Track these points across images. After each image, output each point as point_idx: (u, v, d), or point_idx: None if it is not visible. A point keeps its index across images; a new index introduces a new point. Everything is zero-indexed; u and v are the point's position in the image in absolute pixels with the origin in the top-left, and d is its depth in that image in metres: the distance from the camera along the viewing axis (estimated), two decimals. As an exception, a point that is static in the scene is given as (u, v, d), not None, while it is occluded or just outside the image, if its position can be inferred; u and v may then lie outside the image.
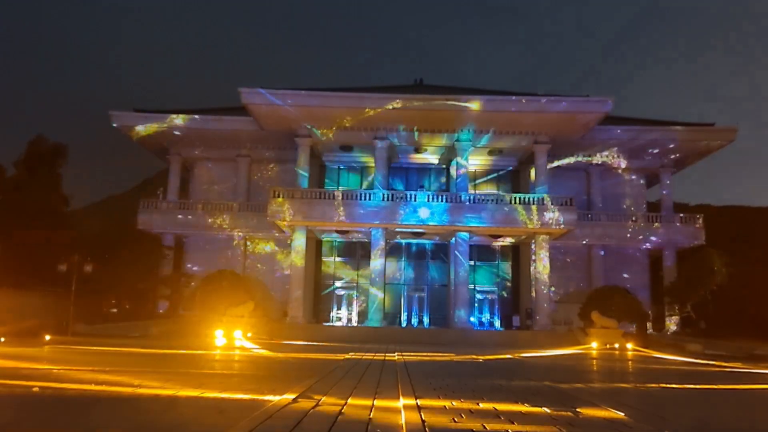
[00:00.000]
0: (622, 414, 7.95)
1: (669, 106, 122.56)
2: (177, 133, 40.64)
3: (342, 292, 43.79)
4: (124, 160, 76.05)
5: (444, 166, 44.34)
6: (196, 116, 40.70)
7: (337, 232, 40.75)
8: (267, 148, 42.61)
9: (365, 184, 43.41)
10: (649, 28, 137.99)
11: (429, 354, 21.62)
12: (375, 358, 18.33)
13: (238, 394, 9.24)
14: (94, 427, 6.85)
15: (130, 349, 20.96)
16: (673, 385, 12.89)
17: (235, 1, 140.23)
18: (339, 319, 42.99)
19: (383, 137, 39.01)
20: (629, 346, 30.64)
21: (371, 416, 7.11)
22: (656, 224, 40.88)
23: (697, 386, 13.11)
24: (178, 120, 39.96)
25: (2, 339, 22.98)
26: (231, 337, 28.98)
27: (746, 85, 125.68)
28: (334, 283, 43.88)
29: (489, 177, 44.46)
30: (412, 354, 20.84)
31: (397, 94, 37.32)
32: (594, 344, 30.60)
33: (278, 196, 36.89)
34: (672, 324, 39.15)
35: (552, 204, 36.78)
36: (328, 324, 41.31)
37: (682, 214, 41.52)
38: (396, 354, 20.41)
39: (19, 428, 6.64)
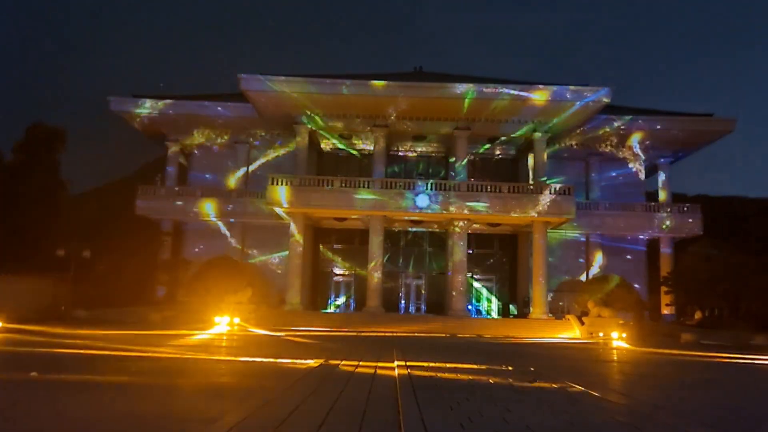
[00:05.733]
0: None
1: (669, 97, 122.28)
2: (171, 112, 40.31)
3: (340, 280, 43.90)
4: (123, 146, 75.46)
5: (443, 154, 44.27)
6: (190, 102, 40.67)
7: (335, 219, 40.74)
8: (265, 134, 42.49)
9: (364, 172, 43.30)
10: (651, 19, 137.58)
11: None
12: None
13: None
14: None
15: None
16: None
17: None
18: (337, 306, 43.12)
19: (382, 125, 38.93)
20: (615, 335, 29.07)
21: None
22: (654, 214, 40.93)
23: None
24: (172, 105, 40.01)
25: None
26: (231, 324, 29.14)
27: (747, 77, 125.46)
28: (332, 270, 43.97)
29: (488, 165, 44.42)
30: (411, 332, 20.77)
31: (396, 81, 37.16)
32: (595, 333, 30.60)
33: (276, 183, 36.82)
34: (668, 313, 39.32)
35: (550, 193, 36.77)
36: (325, 311, 41.43)
37: (679, 204, 41.58)
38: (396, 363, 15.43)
39: None
